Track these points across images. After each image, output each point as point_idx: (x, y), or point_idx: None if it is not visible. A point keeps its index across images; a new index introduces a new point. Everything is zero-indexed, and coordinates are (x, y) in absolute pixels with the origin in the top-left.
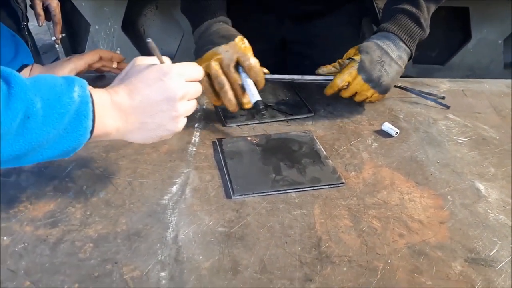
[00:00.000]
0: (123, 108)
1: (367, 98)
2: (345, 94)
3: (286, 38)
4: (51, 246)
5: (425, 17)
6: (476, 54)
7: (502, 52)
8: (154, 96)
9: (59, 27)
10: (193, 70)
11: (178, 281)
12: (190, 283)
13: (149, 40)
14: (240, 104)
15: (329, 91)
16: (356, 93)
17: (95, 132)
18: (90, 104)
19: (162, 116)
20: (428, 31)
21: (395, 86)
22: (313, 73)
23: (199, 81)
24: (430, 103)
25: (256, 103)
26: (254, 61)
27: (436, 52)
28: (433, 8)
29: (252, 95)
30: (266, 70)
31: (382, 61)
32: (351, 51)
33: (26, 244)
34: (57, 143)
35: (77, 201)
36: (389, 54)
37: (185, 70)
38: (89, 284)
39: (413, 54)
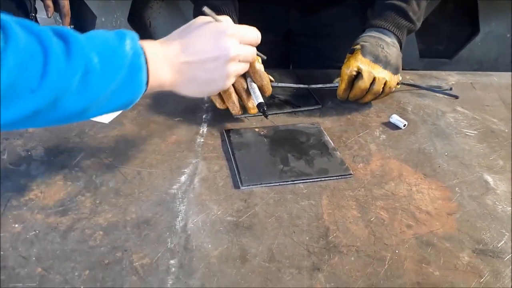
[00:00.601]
0: (176, 60)
1: (386, 83)
2: (363, 84)
3: (292, 30)
4: (61, 234)
5: (414, 11)
6: (484, 48)
7: (511, 46)
8: (208, 52)
9: (68, 19)
10: (250, 33)
11: (187, 269)
12: (199, 271)
13: (204, 8)
14: (245, 109)
15: (340, 87)
16: (373, 81)
17: (150, 84)
18: (143, 57)
19: (213, 73)
20: (419, 24)
21: (402, 84)
22: (318, 63)
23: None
24: (438, 95)
25: (259, 104)
26: (258, 66)
27: (444, 46)
28: (424, 2)
29: (256, 98)
30: (271, 78)
31: (381, 44)
32: (350, 49)
33: (37, 231)
34: (116, 96)
35: (87, 190)
36: (384, 40)
37: (241, 31)
38: (99, 271)
39: (403, 44)
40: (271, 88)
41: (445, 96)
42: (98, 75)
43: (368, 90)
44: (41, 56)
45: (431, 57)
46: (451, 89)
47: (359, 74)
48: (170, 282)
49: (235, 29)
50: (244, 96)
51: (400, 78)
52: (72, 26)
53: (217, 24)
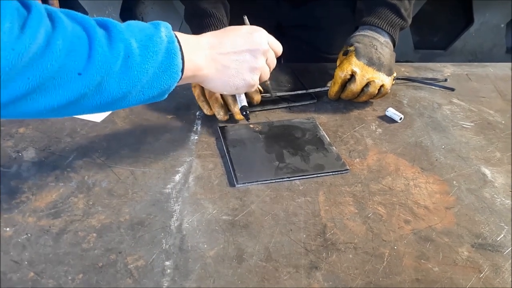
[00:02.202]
0: (209, 50)
1: (382, 85)
2: (354, 88)
3: (282, 22)
4: (54, 237)
5: (406, 7)
6: (478, 39)
7: (505, 36)
8: (241, 44)
9: None
10: (277, 42)
11: (183, 270)
12: (195, 272)
13: (244, 16)
14: (231, 114)
15: (332, 88)
16: (368, 84)
17: (185, 70)
18: (177, 43)
19: (243, 65)
20: (409, 20)
21: (396, 79)
22: (310, 56)
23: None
24: (434, 87)
25: (242, 108)
26: None
27: (438, 37)
28: None
29: (240, 101)
30: (269, 90)
31: (374, 45)
32: (343, 49)
33: (29, 235)
34: (155, 81)
35: (79, 191)
36: (377, 39)
37: (271, 37)
38: (93, 275)
39: (396, 42)
40: (258, 96)
41: (441, 89)
42: (137, 59)
43: (363, 92)
44: (86, 41)
45: (425, 49)
46: (446, 80)
47: (352, 76)
48: (166, 284)
49: (265, 32)
50: (230, 101)
51: (395, 74)
52: None
53: (251, 26)
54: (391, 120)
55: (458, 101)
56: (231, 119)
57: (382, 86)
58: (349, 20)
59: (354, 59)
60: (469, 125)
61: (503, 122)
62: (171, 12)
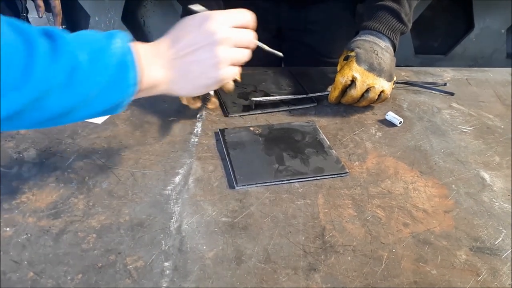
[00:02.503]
0: (166, 57)
1: (382, 90)
2: (355, 93)
3: (282, 26)
4: (54, 237)
5: (406, 12)
6: (479, 44)
7: (505, 42)
8: (194, 42)
9: (59, 19)
10: (239, 15)
11: (182, 271)
12: (194, 273)
13: (192, 6)
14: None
15: (333, 94)
16: (368, 90)
17: (142, 84)
18: (132, 56)
19: (204, 63)
20: (410, 25)
21: (396, 83)
22: (311, 59)
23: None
24: (434, 92)
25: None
26: None
27: (439, 42)
28: (415, 2)
29: None
30: (238, 79)
31: (375, 50)
32: (343, 53)
33: (29, 235)
34: (105, 95)
35: (80, 192)
36: (378, 45)
37: (229, 15)
38: (92, 275)
39: (397, 47)
40: (229, 85)
41: (441, 93)
42: (85, 73)
43: (363, 97)
44: (25, 53)
45: (426, 53)
46: (445, 84)
47: (352, 82)
48: (165, 285)
49: (221, 14)
50: None
51: (395, 78)
52: (63, 26)
53: (201, 14)
54: (390, 124)
55: (458, 106)
56: (230, 122)
57: (382, 91)
58: (349, 23)
59: (354, 65)
60: (468, 130)
61: (502, 126)
62: (173, 15)
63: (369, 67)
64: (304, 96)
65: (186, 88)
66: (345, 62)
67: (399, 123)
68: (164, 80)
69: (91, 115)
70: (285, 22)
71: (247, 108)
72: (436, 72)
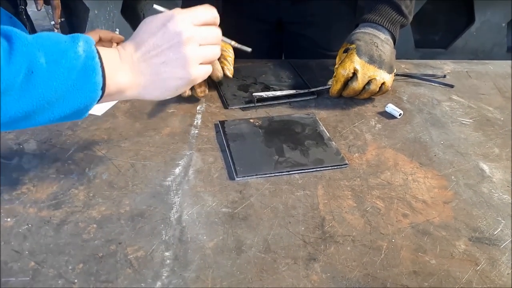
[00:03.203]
0: (132, 61)
1: (384, 83)
2: (356, 86)
3: (282, 19)
4: (55, 227)
5: (407, 5)
6: (479, 38)
7: (506, 35)
8: (160, 43)
9: (58, 11)
10: (203, 12)
11: (182, 261)
12: (195, 262)
13: (154, 5)
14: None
15: (335, 87)
16: (370, 82)
17: (108, 89)
18: (97, 59)
19: (172, 64)
20: (410, 18)
21: (396, 75)
22: (311, 52)
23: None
24: (434, 84)
25: None
26: None
27: (439, 36)
28: None
29: None
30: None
31: (375, 42)
32: (343, 46)
33: (30, 225)
34: (67, 100)
35: (80, 183)
36: (378, 37)
37: (193, 13)
38: (93, 265)
39: (397, 40)
40: (218, 74)
41: (440, 85)
42: (44, 76)
43: (364, 90)
44: None
45: (426, 47)
46: (445, 76)
47: (354, 74)
48: (165, 275)
49: (184, 12)
50: None
51: (395, 70)
52: (62, 19)
53: (163, 14)
54: (390, 116)
55: (458, 98)
56: (230, 114)
57: (383, 83)
58: (349, 16)
59: (355, 57)
60: (468, 122)
61: (502, 119)
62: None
63: (370, 59)
64: (306, 91)
65: (156, 91)
66: (345, 54)
67: (399, 115)
68: (132, 85)
69: (55, 119)
70: (286, 15)
71: (247, 101)
72: (436, 64)
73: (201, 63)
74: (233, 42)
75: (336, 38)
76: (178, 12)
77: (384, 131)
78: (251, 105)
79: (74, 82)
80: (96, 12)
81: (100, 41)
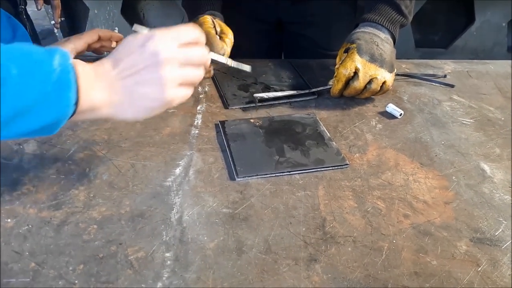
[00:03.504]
0: (108, 79)
1: (385, 82)
2: (358, 85)
3: (282, 19)
4: (55, 228)
5: (407, 4)
6: (479, 37)
7: (506, 35)
8: (137, 62)
9: (58, 11)
10: (186, 32)
11: (183, 262)
12: (195, 263)
13: (134, 26)
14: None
15: (336, 87)
16: (371, 81)
17: (81, 105)
18: (73, 74)
19: (148, 84)
20: (410, 17)
21: (396, 75)
22: (310, 52)
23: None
24: (434, 84)
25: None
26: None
27: (439, 36)
28: None
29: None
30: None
31: (375, 41)
32: (343, 46)
33: (30, 226)
34: (39, 113)
35: (80, 183)
36: (378, 36)
37: (174, 33)
38: (93, 265)
39: (396, 39)
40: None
41: (441, 85)
42: (14, 88)
43: (366, 89)
44: None
45: (426, 47)
46: (445, 76)
47: (355, 74)
48: (166, 275)
49: (165, 32)
50: None
51: (395, 70)
52: (62, 19)
53: (145, 33)
54: (391, 116)
55: (458, 98)
56: (230, 114)
57: (384, 83)
58: (349, 16)
59: (356, 56)
60: (469, 122)
61: (502, 118)
62: (172, 8)
63: (371, 58)
64: (307, 91)
65: (129, 111)
66: (345, 54)
67: (400, 115)
68: (105, 103)
69: (23, 133)
70: (285, 15)
71: (247, 102)
72: (436, 64)
73: (180, 84)
74: (229, 61)
75: (336, 38)
76: (159, 32)
77: (384, 131)
78: (252, 105)
79: (47, 95)
80: (96, 11)
81: (100, 40)
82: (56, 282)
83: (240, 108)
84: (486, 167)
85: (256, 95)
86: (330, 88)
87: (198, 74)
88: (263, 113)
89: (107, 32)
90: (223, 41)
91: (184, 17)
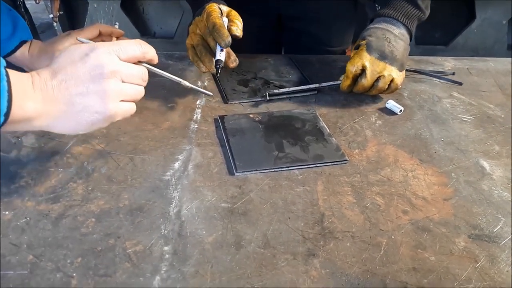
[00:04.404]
0: (46, 89)
1: (392, 80)
2: (366, 83)
3: (282, 14)
4: (53, 221)
5: None
6: (480, 35)
7: (507, 33)
8: (79, 73)
9: (57, 5)
10: (131, 46)
11: (181, 256)
12: (194, 257)
13: (78, 38)
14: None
15: (344, 83)
16: (378, 78)
17: (13, 116)
18: (5, 83)
19: (89, 96)
20: (428, 12)
21: (406, 70)
22: (310, 47)
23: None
24: (434, 80)
25: (216, 61)
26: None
27: (440, 33)
28: None
29: (217, 55)
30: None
31: (387, 38)
32: (356, 43)
33: (28, 218)
34: None
35: (79, 176)
36: (391, 32)
37: (118, 46)
38: (92, 258)
39: (413, 34)
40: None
41: (441, 82)
42: None
43: (373, 87)
44: None
45: (427, 44)
46: (453, 73)
47: (363, 71)
48: (164, 269)
49: (110, 44)
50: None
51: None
52: (61, 12)
53: (88, 44)
54: (391, 112)
55: (458, 95)
56: (230, 108)
57: (392, 81)
58: (349, 12)
59: (365, 54)
60: (468, 119)
61: (502, 116)
62: (172, 3)
63: (380, 55)
64: (317, 85)
65: (69, 124)
66: (355, 51)
67: (400, 112)
68: (42, 114)
69: None
70: (285, 11)
71: (247, 95)
72: (437, 61)
73: (122, 100)
74: (195, 86)
75: (336, 34)
76: (103, 44)
77: (384, 128)
78: (250, 99)
79: None
80: (95, 5)
81: (100, 35)
82: (53, 275)
83: (240, 103)
84: (485, 164)
85: (268, 91)
86: (340, 83)
87: (140, 90)
88: (262, 108)
89: (108, 27)
90: (233, 22)
91: (184, 13)
